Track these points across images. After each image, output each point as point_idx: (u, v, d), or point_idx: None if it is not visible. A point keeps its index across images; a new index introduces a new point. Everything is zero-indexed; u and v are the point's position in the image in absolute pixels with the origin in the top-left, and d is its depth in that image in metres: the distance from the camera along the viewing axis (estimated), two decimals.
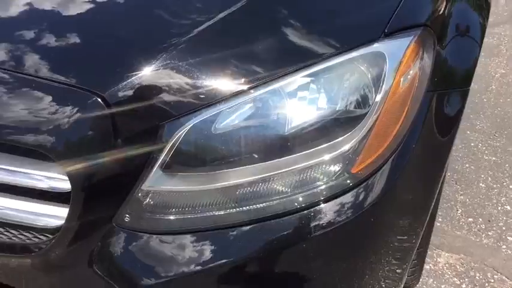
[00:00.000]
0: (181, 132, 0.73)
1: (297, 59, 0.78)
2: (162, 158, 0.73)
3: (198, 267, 0.73)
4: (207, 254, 0.74)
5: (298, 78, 0.77)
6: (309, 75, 0.77)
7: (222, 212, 0.76)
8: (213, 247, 0.75)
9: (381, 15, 0.83)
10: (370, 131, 0.76)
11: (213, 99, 0.74)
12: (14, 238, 0.82)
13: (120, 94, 0.73)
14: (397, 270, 0.92)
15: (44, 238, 0.79)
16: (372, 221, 0.81)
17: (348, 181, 0.77)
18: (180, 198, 0.76)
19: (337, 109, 0.77)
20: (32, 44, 0.79)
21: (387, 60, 0.77)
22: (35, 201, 0.78)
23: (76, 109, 0.71)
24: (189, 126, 0.73)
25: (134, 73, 0.74)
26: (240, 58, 0.77)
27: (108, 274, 0.75)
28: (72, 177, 0.72)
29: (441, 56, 0.87)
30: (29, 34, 0.82)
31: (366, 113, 0.76)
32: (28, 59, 0.77)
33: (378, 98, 0.76)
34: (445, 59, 0.88)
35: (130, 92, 0.74)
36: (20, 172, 0.76)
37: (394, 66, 0.77)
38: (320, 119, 0.76)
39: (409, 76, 0.80)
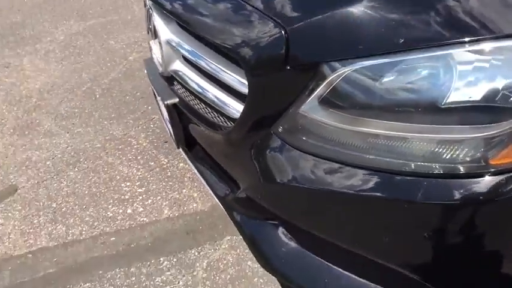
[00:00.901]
0: (340, 73, 0.83)
1: (474, 31, 0.75)
2: (319, 90, 0.86)
3: (315, 186, 0.89)
4: (328, 180, 0.88)
5: (469, 54, 0.75)
6: (479, 52, 0.74)
7: (354, 153, 0.87)
8: (335, 176, 0.89)
9: None
10: None
11: (379, 51, 0.80)
12: (214, 118, 1.12)
13: (299, 30, 0.86)
14: None
15: (229, 124, 1.07)
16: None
17: (483, 169, 0.76)
18: (324, 130, 0.89)
19: (499, 95, 0.74)
20: None
21: None
22: (226, 94, 1.05)
23: (265, 34, 0.89)
24: (349, 70, 0.82)
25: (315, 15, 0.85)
26: (417, 20, 0.79)
27: (257, 162, 0.99)
28: (250, 83, 0.93)
29: None
30: None
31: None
32: None
33: None
34: None
35: (311, 28, 0.86)
36: (219, 68, 1.02)
37: None
38: (480, 101, 0.75)
39: None
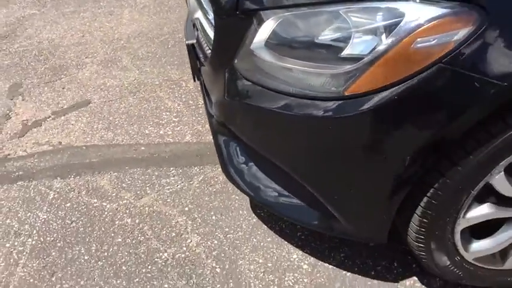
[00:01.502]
0: (274, 19, 1.13)
1: None
2: (260, 32, 1.18)
3: (253, 103, 1.20)
4: (259, 100, 1.19)
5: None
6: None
7: (277, 83, 1.18)
8: (265, 98, 1.20)
9: None
10: (370, 65, 0.97)
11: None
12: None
13: None
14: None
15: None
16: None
17: (338, 95, 1.03)
18: (263, 64, 1.19)
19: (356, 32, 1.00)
20: None
21: (404, 19, 0.92)
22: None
23: None
24: (280, 18, 1.11)
25: None
26: None
27: (225, 84, 1.30)
28: (215, 26, 1.28)
29: (489, 41, 0.89)
30: None
31: (372, 50, 0.96)
32: None
33: (383, 46, 0.94)
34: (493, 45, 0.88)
35: None
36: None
37: (409, 26, 0.91)
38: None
39: (429, 43, 0.91)
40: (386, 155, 1.05)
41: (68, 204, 1.84)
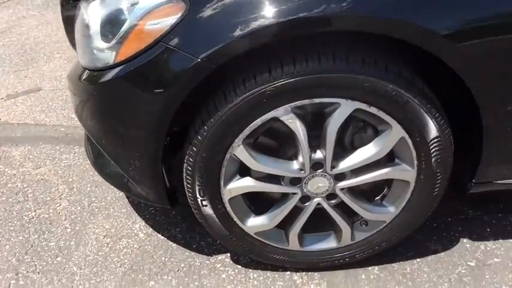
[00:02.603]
0: None
1: None
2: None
3: None
4: None
5: None
6: None
7: None
8: None
9: None
10: (120, 44, 1.16)
11: None
12: None
13: None
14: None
15: None
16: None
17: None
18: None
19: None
20: None
21: (136, 8, 1.11)
22: None
23: None
24: None
25: None
26: None
27: None
28: None
29: (191, 24, 1.06)
30: None
31: (118, 34, 1.16)
32: None
33: (125, 27, 1.14)
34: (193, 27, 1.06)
35: None
36: None
37: (140, 13, 1.11)
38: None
39: (156, 25, 1.10)
40: (134, 122, 1.23)
41: None
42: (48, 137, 2.33)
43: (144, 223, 1.76)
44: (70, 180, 2.01)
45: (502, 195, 1.67)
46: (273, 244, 1.44)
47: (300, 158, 1.25)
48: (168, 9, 1.10)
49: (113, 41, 1.18)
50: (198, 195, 1.31)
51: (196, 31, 1.07)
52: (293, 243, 1.43)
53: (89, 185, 1.97)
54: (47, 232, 1.75)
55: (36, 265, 1.62)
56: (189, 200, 1.36)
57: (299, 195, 1.33)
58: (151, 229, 1.73)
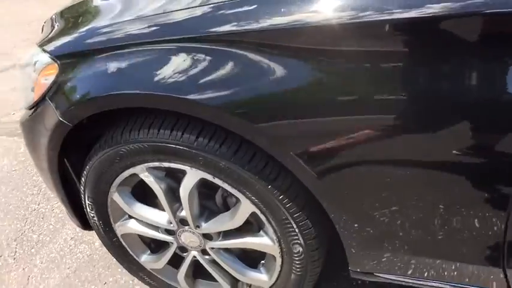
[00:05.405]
0: None
1: None
2: None
3: None
4: None
5: None
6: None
7: None
8: None
9: None
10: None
11: None
12: None
13: None
14: None
15: None
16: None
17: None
18: None
19: None
20: None
21: (37, 65, 1.29)
22: None
23: None
24: None
25: None
26: None
27: None
28: None
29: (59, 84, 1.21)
30: None
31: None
32: None
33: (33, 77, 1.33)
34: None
35: None
36: None
37: (39, 67, 1.28)
38: None
39: (46, 81, 1.27)
40: (39, 154, 1.42)
41: None
42: None
43: (72, 234, 1.99)
44: None
45: None
46: (168, 282, 1.53)
47: (166, 213, 1.32)
48: (51, 68, 1.27)
49: (32, 86, 1.41)
50: (98, 224, 1.48)
51: (60, 92, 1.22)
52: (183, 285, 1.50)
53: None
54: (36, 225, 2.10)
55: (16, 251, 1.98)
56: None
57: (175, 245, 1.39)
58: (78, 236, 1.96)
